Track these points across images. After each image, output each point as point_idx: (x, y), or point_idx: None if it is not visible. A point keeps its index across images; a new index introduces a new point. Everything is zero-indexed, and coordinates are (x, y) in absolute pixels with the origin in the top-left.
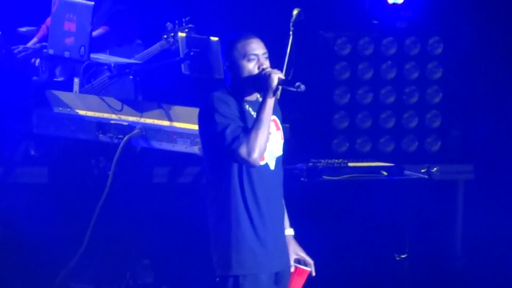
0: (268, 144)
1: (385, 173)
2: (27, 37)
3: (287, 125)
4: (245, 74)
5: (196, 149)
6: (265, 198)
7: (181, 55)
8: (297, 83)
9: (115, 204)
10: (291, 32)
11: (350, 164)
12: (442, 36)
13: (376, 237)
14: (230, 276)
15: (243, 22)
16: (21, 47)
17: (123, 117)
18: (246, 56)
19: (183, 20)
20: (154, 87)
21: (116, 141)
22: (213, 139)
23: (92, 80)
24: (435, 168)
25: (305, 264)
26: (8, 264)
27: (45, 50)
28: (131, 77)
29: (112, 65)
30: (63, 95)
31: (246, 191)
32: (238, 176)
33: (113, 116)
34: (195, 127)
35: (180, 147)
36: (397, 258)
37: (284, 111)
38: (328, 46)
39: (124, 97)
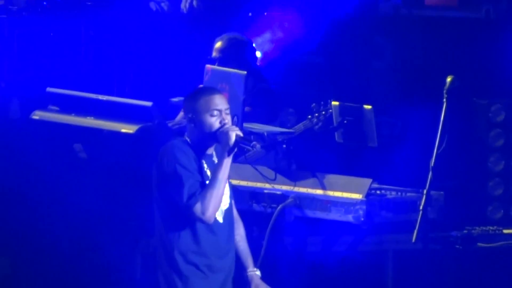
0: None
1: None
2: (179, 107)
3: (442, 192)
4: (207, 128)
5: (350, 218)
6: (212, 250)
7: (335, 123)
8: (253, 142)
9: (268, 274)
10: (444, 100)
11: (505, 231)
12: None
13: None
14: None
15: (397, 93)
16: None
17: (276, 186)
18: (209, 110)
19: (328, 101)
20: (307, 155)
21: (269, 210)
22: (171, 189)
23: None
24: None
25: None
26: None
27: None
28: (284, 146)
29: (265, 134)
30: None
31: (190, 242)
32: (185, 226)
33: (267, 186)
34: (350, 195)
35: (334, 215)
36: None
37: (438, 178)
38: (482, 113)
39: (276, 166)
